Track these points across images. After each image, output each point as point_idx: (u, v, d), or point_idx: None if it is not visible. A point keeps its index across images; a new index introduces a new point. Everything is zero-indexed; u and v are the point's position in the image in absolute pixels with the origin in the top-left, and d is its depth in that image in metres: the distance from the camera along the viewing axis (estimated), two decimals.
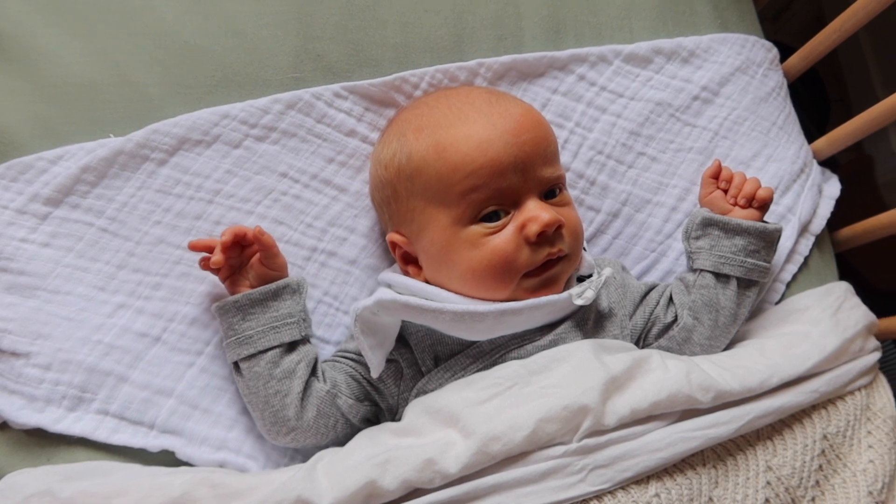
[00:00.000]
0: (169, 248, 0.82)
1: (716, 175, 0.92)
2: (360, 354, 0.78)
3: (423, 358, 0.78)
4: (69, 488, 0.68)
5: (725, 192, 0.91)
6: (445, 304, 0.72)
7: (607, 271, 0.79)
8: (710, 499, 0.68)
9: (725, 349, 0.86)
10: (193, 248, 0.77)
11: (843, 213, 1.04)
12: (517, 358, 0.75)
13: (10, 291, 0.76)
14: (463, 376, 0.75)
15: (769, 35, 1.13)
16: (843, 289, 0.94)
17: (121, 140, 0.82)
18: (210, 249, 0.76)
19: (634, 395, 0.69)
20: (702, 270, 0.85)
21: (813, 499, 0.74)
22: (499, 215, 0.75)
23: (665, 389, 0.69)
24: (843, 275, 1.04)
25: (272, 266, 0.79)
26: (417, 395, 0.77)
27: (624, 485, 0.66)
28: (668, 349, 0.83)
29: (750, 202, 0.87)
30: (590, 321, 0.80)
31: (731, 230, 0.85)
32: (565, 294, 0.75)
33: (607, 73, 0.99)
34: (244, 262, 0.79)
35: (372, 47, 0.92)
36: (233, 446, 0.79)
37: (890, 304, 1.43)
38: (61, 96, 0.82)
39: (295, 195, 0.87)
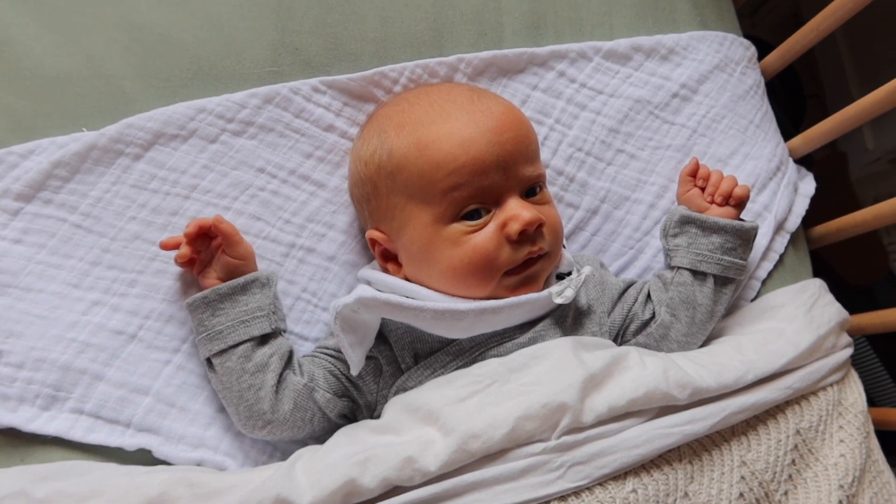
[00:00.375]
0: (144, 245, 0.80)
1: (693, 173, 0.93)
2: (339, 351, 0.78)
3: (402, 355, 0.77)
4: (44, 489, 0.66)
5: (703, 189, 0.92)
6: (426, 303, 0.72)
7: (587, 270, 0.79)
8: (686, 494, 0.69)
9: (702, 346, 0.87)
10: (165, 247, 0.77)
11: (818, 208, 1.06)
12: (497, 356, 0.75)
13: None
14: (443, 374, 0.75)
15: (746, 30, 1.14)
16: (817, 286, 0.96)
17: (94, 134, 0.80)
18: (177, 246, 0.76)
19: (612, 392, 0.69)
20: (679, 268, 0.86)
21: (786, 492, 0.76)
22: (480, 213, 0.75)
23: (643, 387, 0.70)
24: (817, 270, 1.05)
25: (235, 255, 0.77)
26: (397, 393, 0.77)
27: (602, 481, 0.66)
28: (645, 346, 0.84)
29: (727, 200, 0.89)
30: (569, 318, 0.80)
31: (709, 228, 0.86)
32: (545, 293, 0.76)
33: (587, 70, 0.99)
34: (214, 255, 0.78)
35: (351, 41, 0.91)
36: (210, 444, 0.78)
37: (861, 299, 1.46)
38: (32, 89, 0.81)
39: (273, 191, 0.86)
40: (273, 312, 0.78)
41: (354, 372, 0.74)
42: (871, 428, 0.87)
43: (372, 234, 0.81)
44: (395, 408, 0.72)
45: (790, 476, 0.76)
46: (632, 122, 1.00)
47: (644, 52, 1.02)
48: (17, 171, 0.77)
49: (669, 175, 0.99)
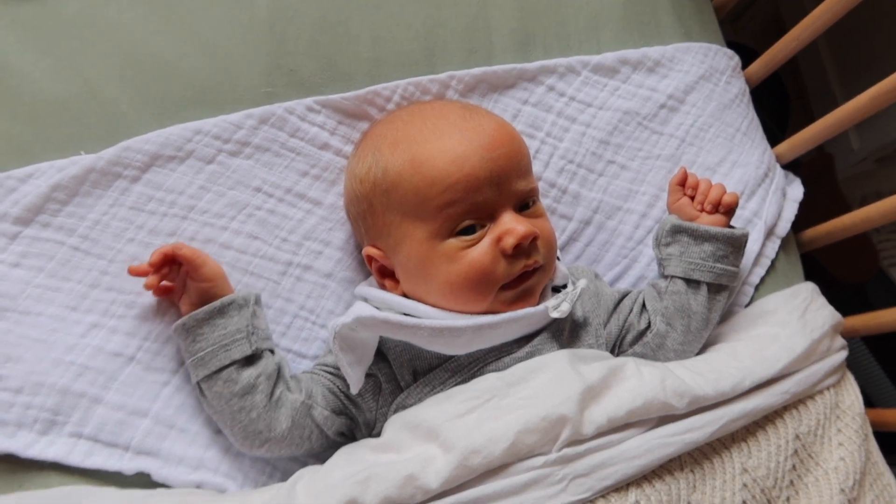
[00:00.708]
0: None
1: (682, 182, 0.94)
2: (338, 368, 0.78)
3: (401, 373, 0.78)
4: None
5: (692, 198, 0.93)
6: (423, 320, 0.72)
7: (582, 283, 0.80)
8: (689, 503, 0.70)
9: (698, 353, 0.87)
10: (134, 273, 0.76)
11: (807, 209, 1.07)
12: (495, 370, 0.75)
13: None
14: (442, 390, 0.75)
15: (729, 37, 1.16)
16: (810, 290, 0.97)
17: (92, 157, 0.81)
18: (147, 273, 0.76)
19: (611, 403, 0.70)
20: (673, 277, 0.87)
21: (788, 498, 0.76)
22: (475, 229, 0.75)
23: (641, 397, 0.70)
24: (808, 269, 1.06)
25: (200, 278, 0.76)
26: (397, 410, 0.77)
27: (604, 493, 0.67)
28: (642, 355, 0.85)
29: (716, 208, 0.89)
30: (565, 331, 0.81)
31: (700, 236, 0.87)
32: (541, 307, 0.76)
33: (576, 84, 1.00)
34: (185, 282, 0.78)
35: (344, 61, 0.92)
36: (210, 465, 0.78)
37: (853, 298, 1.47)
38: (31, 114, 0.81)
39: (269, 210, 0.87)
40: (252, 333, 0.76)
41: (354, 391, 0.75)
42: (870, 430, 0.87)
43: (368, 250, 0.81)
44: (395, 425, 0.73)
45: (791, 482, 0.77)
46: (621, 133, 1.01)
47: (631, 65, 1.03)
48: (15, 194, 0.78)
49: (660, 184, 1.00)
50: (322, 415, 0.77)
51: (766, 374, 0.78)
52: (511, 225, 0.74)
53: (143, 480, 0.76)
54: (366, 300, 0.82)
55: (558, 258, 0.86)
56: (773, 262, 1.02)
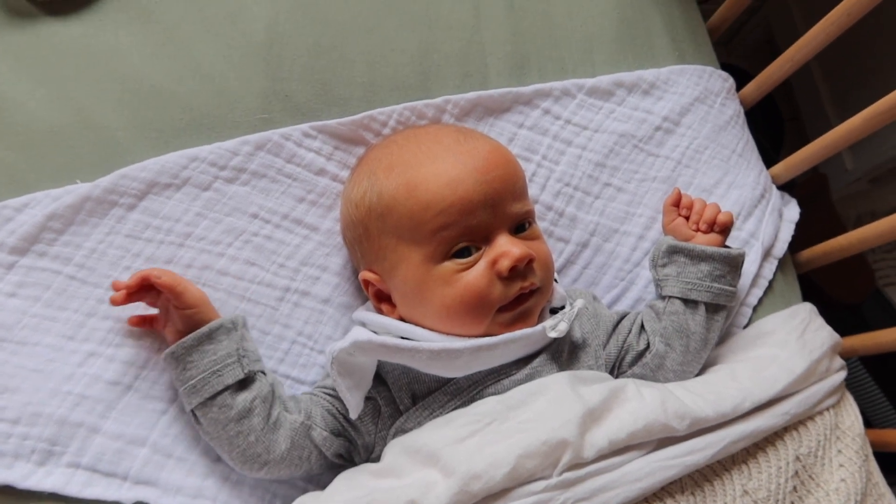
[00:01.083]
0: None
1: (676, 203, 0.94)
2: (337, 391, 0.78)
3: (400, 396, 0.77)
4: None
5: (687, 218, 0.93)
6: (422, 343, 0.72)
7: (580, 303, 0.80)
8: None
9: (697, 374, 0.87)
10: (114, 302, 0.75)
11: (802, 229, 1.07)
12: (494, 393, 0.75)
13: None
14: (441, 414, 0.75)
15: (722, 58, 1.18)
16: (808, 310, 0.97)
17: (88, 186, 0.81)
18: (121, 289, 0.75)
19: (611, 426, 0.69)
20: (670, 297, 0.87)
21: None
22: (470, 251, 0.75)
23: (641, 419, 0.70)
24: (805, 290, 1.06)
25: (183, 304, 0.74)
26: (396, 434, 0.76)
27: None
28: (641, 376, 0.84)
29: (711, 227, 0.90)
30: (564, 353, 0.81)
31: (697, 256, 0.87)
32: (539, 327, 0.76)
33: (571, 107, 1.01)
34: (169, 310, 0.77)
35: (339, 86, 0.93)
36: (209, 494, 0.77)
37: (849, 317, 1.48)
38: (26, 143, 0.82)
39: (266, 235, 0.87)
40: (243, 356, 0.75)
41: (353, 416, 0.74)
42: (870, 451, 0.87)
43: (365, 275, 0.81)
44: (395, 450, 0.72)
45: (792, 503, 0.76)
46: (617, 155, 1.01)
47: (626, 88, 1.04)
48: (11, 224, 0.78)
49: (656, 206, 1.01)
50: (321, 436, 0.77)
51: (766, 396, 0.78)
52: (506, 247, 0.74)
53: None
54: (363, 325, 0.82)
55: (556, 280, 0.86)
56: (771, 283, 1.02)
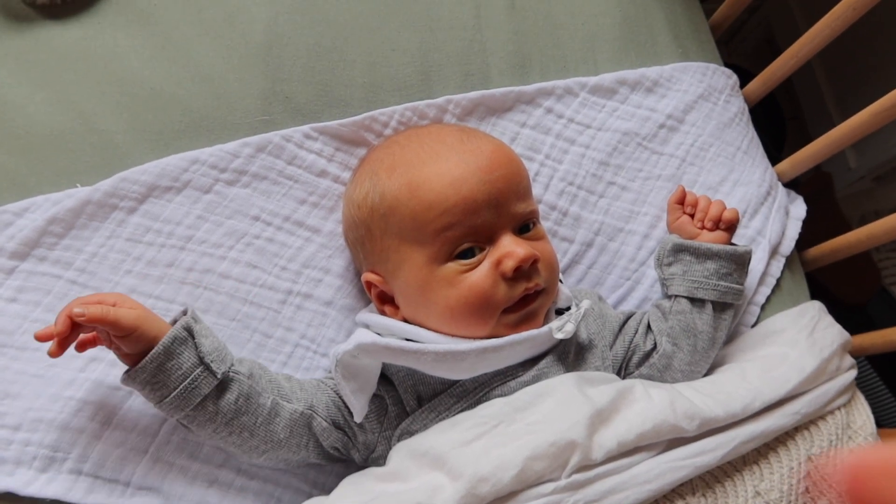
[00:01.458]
0: (141, 298, 0.79)
1: (681, 201, 0.93)
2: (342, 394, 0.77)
3: (406, 398, 0.76)
4: None
5: (692, 216, 0.92)
6: (426, 345, 0.71)
7: (586, 303, 0.79)
8: None
9: (706, 374, 0.86)
10: (39, 339, 0.66)
11: (807, 228, 1.07)
12: (501, 395, 0.74)
13: None
14: (447, 416, 0.74)
15: (723, 58, 1.17)
16: (817, 308, 0.96)
17: (88, 190, 0.80)
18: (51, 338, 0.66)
19: (620, 427, 0.68)
20: (677, 296, 0.86)
21: None
22: (474, 252, 0.74)
23: (650, 420, 0.69)
24: (809, 289, 1.06)
25: (121, 332, 0.66)
26: (402, 437, 0.75)
27: None
28: (649, 377, 0.84)
29: (717, 224, 0.89)
30: (571, 354, 0.80)
31: (702, 255, 0.86)
32: (545, 328, 0.75)
33: (574, 105, 1.00)
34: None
35: (340, 87, 0.92)
36: (212, 502, 0.77)
37: (855, 316, 1.47)
38: (26, 147, 0.81)
39: (268, 238, 0.86)
40: (210, 362, 0.69)
41: (358, 419, 0.73)
42: None
43: (367, 276, 0.80)
44: (401, 453, 0.71)
45: None
46: (621, 154, 1.00)
47: (629, 86, 1.03)
48: (11, 229, 0.77)
49: (661, 205, 1.00)
50: (321, 426, 0.75)
51: (777, 395, 0.77)
52: (510, 248, 0.73)
53: None
54: (367, 327, 0.81)
55: (561, 281, 0.85)
56: (779, 282, 1.01)
